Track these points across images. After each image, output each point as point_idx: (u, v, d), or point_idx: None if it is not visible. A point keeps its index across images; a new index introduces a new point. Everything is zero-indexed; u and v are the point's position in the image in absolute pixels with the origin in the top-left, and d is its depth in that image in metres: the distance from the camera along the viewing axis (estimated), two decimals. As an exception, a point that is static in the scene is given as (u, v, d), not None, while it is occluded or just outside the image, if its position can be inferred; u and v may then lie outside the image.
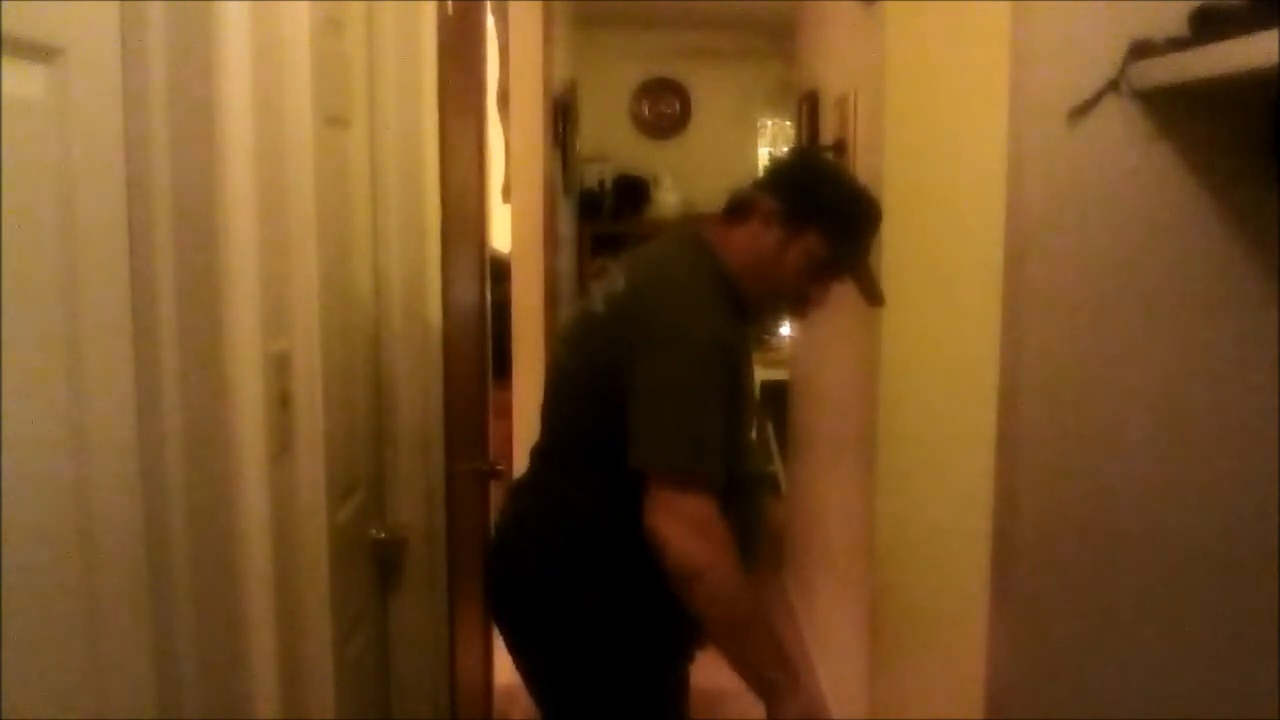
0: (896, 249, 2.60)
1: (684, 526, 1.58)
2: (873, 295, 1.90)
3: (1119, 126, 1.36)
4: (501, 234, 4.00)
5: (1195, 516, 1.42)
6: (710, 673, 2.01)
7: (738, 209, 1.80)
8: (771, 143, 6.54)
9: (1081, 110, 1.36)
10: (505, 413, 3.31)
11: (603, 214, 6.14)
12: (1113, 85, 1.34)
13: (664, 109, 6.51)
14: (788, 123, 5.61)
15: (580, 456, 1.70)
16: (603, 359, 1.69)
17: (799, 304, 1.88)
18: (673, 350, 1.63)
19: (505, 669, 2.11)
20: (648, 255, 1.87)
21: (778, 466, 4.96)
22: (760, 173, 2.03)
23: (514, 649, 1.88)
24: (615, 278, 1.80)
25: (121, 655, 0.95)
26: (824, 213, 1.77)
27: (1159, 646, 1.45)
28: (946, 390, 2.59)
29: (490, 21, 3.36)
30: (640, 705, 1.82)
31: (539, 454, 1.90)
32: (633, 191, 6.23)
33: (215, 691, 1.07)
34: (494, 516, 2.41)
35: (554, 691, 1.85)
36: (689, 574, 1.58)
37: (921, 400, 2.63)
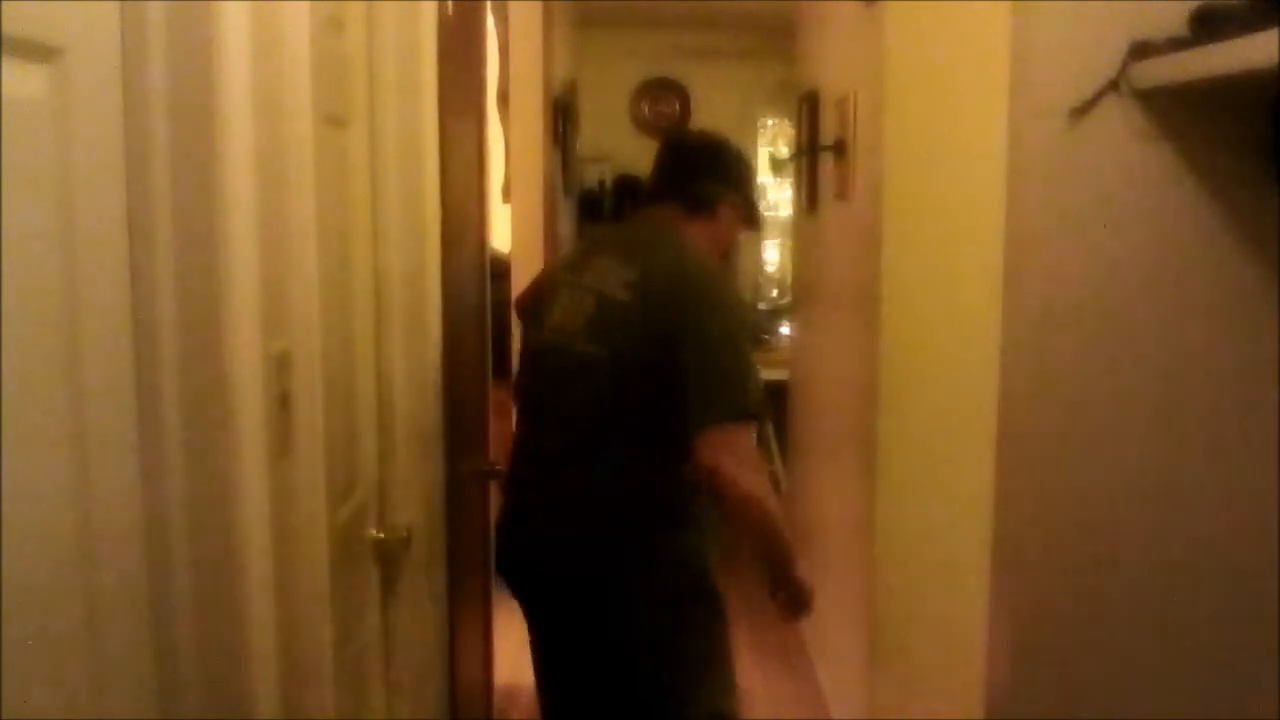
0: (896, 249, 2.60)
1: (742, 463, 1.82)
2: (754, 222, 2.20)
3: (1119, 126, 1.36)
4: (501, 234, 4.00)
5: (1195, 516, 1.42)
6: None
7: (691, 203, 2.07)
8: (771, 142, 6.54)
9: (1081, 110, 1.36)
10: (505, 413, 3.30)
11: (603, 214, 6.14)
12: (1113, 85, 1.34)
13: (664, 109, 6.51)
14: (788, 122, 5.60)
15: (626, 439, 1.87)
16: (643, 342, 1.86)
17: (724, 264, 2.24)
18: (718, 319, 1.89)
19: (505, 669, 2.11)
20: (644, 243, 2.02)
21: (778, 466, 4.96)
22: (667, 163, 2.20)
23: (578, 652, 1.97)
24: (616, 267, 1.94)
25: (121, 655, 0.95)
26: (736, 186, 2.11)
27: (1159, 647, 1.45)
28: (946, 391, 2.59)
29: (490, 21, 3.36)
30: (705, 659, 2.02)
31: (560, 453, 1.94)
32: (633, 191, 6.22)
33: (215, 691, 1.07)
34: (494, 517, 2.40)
35: (632, 678, 1.97)
36: (749, 504, 1.85)
37: (921, 401, 2.63)
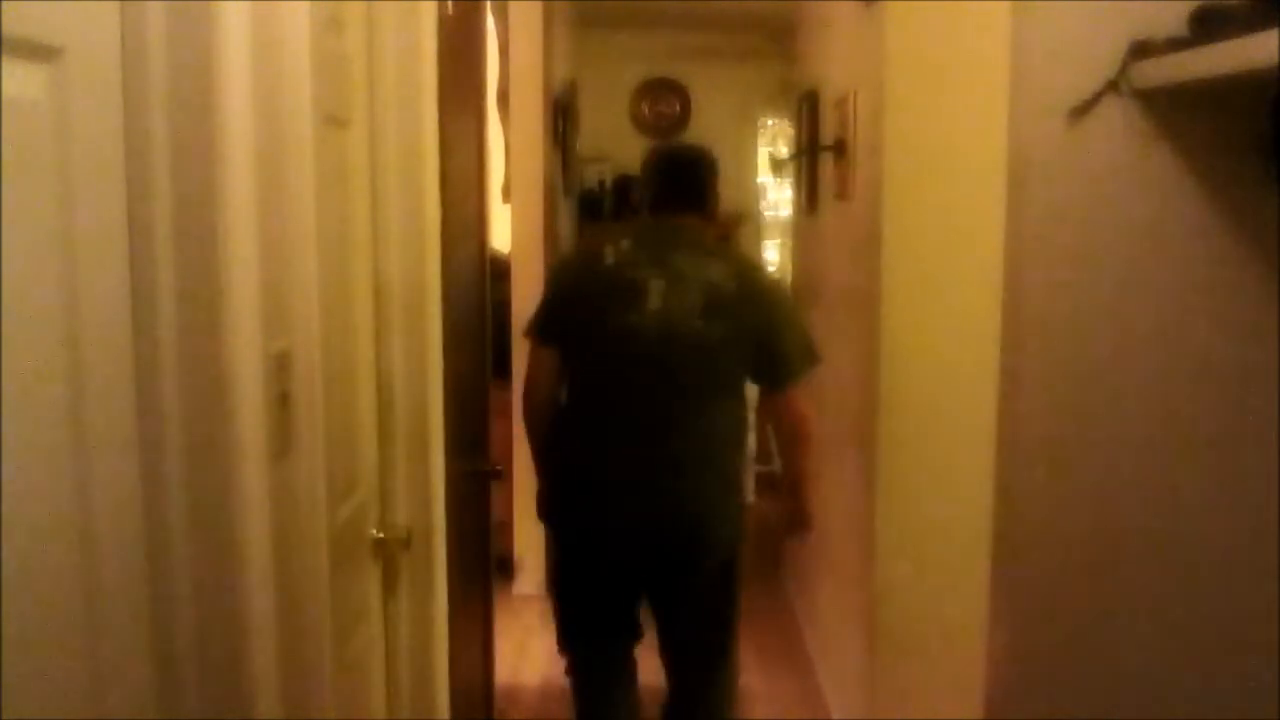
0: (896, 249, 2.60)
1: (809, 403, 2.52)
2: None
3: (1119, 126, 1.36)
4: (501, 234, 4.00)
5: (1195, 517, 1.42)
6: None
7: (705, 211, 2.59)
8: (771, 142, 6.54)
9: (1081, 110, 1.36)
10: (505, 413, 3.30)
11: (603, 214, 6.13)
12: (1113, 85, 1.34)
13: (664, 109, 6.50)
14: (788, 122, 5.60)
15: (726, 395, 2.45)
16: (745, 321, 2.40)
17: None
18: (787, 300, 2.82)
19: (505, 669, 2.11)
20: (709, 245, 2.53)
21: (777, 465, 4.95)
22: (683, 176, 2.62)
23: (689, 577, 2.48)
24: (709, 264, 2.43)
25: (121, 655, 0.95)
26: (719, 190, 2.67)
27: (1159, 647, 1.44)
28: (946, 391, 2.59)
29: (490, 21, 3.36)
30: None
31: (673, 414, 2.39)
32: (633, 191, 6.22)
33: (215, 691, 1.07)
34: (495, 515, 2.41)
35: (727, 589, 2.54)
36: (810, 435, 2.54)
37: (921, 401, 2.63)
